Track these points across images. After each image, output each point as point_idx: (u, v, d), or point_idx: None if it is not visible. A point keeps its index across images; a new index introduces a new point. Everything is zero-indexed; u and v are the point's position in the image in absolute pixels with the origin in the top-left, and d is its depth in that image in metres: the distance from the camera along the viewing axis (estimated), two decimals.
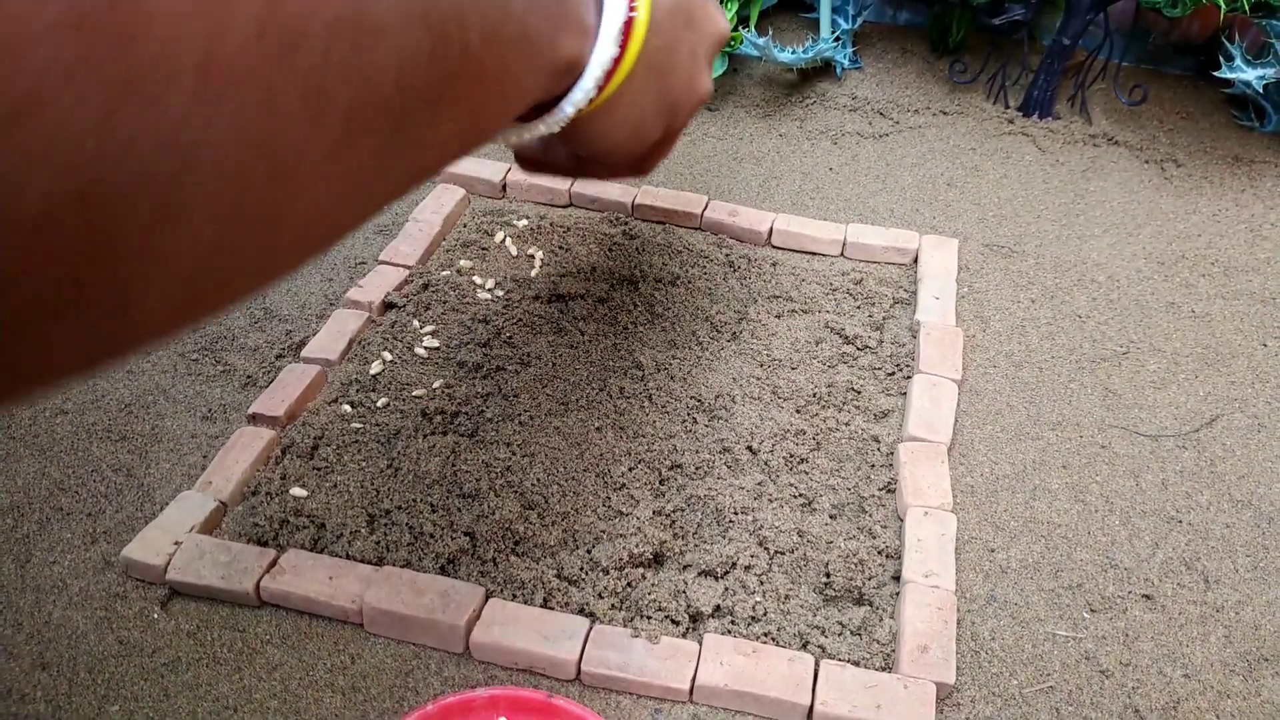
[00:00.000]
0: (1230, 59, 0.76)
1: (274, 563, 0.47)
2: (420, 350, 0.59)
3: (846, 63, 0.85)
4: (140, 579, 0.47)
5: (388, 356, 0.58)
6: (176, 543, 0.47)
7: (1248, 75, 0.73)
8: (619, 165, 0.48)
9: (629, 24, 0.39)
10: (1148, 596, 0.48)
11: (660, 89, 0.44)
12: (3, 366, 0.20)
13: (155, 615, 0.46)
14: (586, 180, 0.56)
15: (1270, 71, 0.73)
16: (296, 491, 0.50)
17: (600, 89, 0.39)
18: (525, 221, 0.69)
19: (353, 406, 0.55)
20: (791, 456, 0.53)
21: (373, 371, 0.57)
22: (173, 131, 0.19)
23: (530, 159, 0.49)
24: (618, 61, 0.39)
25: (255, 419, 0.54)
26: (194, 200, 0.20)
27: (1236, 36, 0.77)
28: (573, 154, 0.47)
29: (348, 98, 0.23)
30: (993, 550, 0.50)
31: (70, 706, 0.43)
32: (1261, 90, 0.75)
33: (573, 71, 0.38)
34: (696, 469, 0.52)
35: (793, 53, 0.81)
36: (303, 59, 0.22)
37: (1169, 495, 0.53)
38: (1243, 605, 0.48)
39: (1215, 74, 0.76)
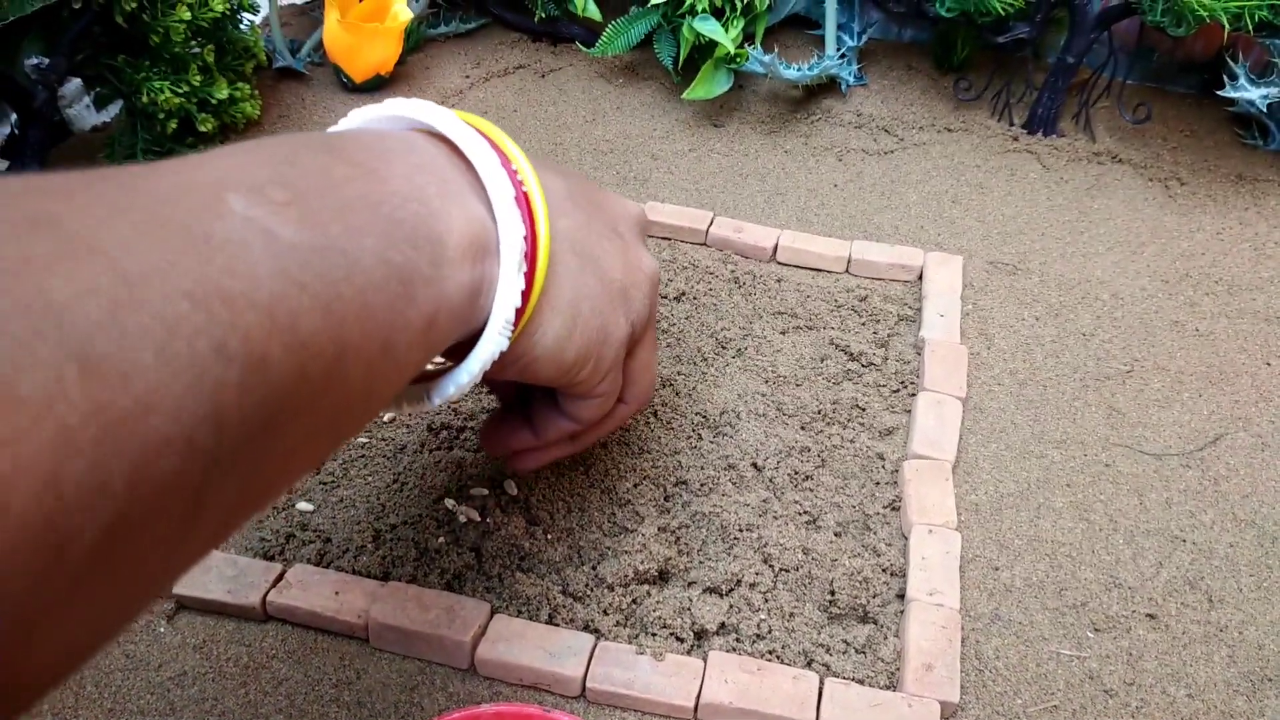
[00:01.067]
0: (1234, 78, 0.76)
1: (280, 577, 0.47)
2: (428, 365, 0.59)
3: (851, 79, 0.86)
4: None
5: None
6: None
7: (1251, 94, 0.74)
8: (602, 389, 0.42)
9: (525, 199, 0.36)
10: (1151, 616, 0.48)
11: (598, 272, 0.39)
12: None
13: (161, 629, 0.46)
14: (581, 442, 0.48)
15: (1274, 90, 0.73)
16: (303, 506, 0.51)
17: (524, 294, 0.35)
18: None
19: None
20: (796, 473, 0.53)
21: None
22: None
23: (493, 435, 0.46)
24: (531, 255, 0.35)
25: None
26: None
27: (1240, 55, 0.78)
28: (543, 408, 0.44)
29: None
30: (997, 569, 0.50)
31: None
32: (1265, 109, 0.75)
33: (482, 291, 0.34)
34: (701, 485, 0.53)
35: (798, 70, 0.81)
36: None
37: (1173, 514, 0.53)
38: (1247, 625, 0.48)
39: (1219, 93, 0.76)
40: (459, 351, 0.37)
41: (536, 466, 0.48)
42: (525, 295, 0.35)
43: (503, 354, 0.37)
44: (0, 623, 0.19)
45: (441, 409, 0.55)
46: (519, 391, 0.48)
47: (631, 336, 0.42)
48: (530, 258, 0.36)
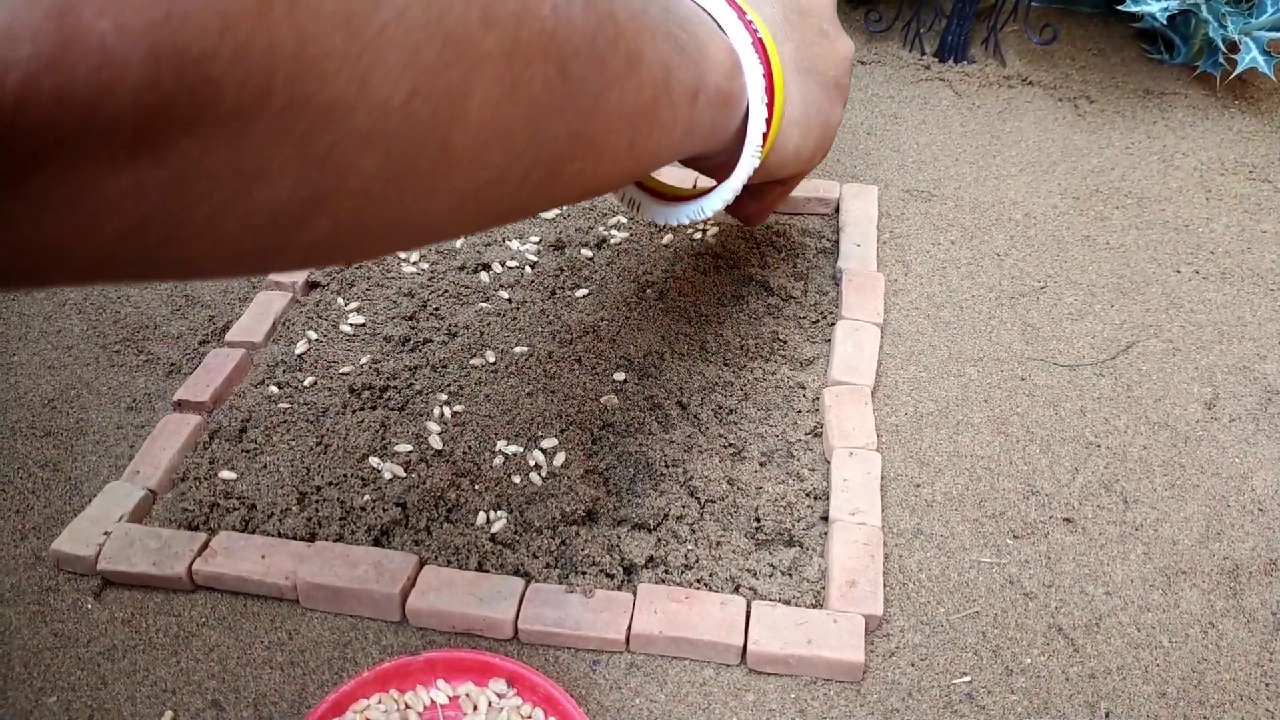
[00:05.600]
0: None
1: (205, 546, 0.47)
2: (346, 327, 0.59)
3: None
4: (72, 571, 0.47)
5: (313, 335, 0.58)
6: (106, 533, 0.47)
7: (1152, 7, 0.75)
8: (816, 163, 0.53)
9: (760, 44, 0.44)
10: (1069, 520, 0.50)
11: (818, 79, 0.49)
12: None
13: (89, 606, 0.46)
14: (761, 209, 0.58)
15: (1173, 3, 0.74)
16: (226, 475, 0.50)
17: (767, 120, 0.44)
18: None
19: (279, 387, 0.55)
20: (720, 408, 0.54)
21: (298, 351, 0.57)
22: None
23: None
24: (769, 89, 0.44)
25: (181, 405, 0.54)
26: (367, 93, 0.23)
27: None
28: (769, 184, 0.53)
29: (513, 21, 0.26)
30: (918, 485, 0.51)
31: (6, 702, 0.43)
32: (1166, 21, 0.76)
33: (729, 104, 0.42)
34: (627, 426, 0.53)
35: None
36: None
37: (1087, 421, 0.54)
38: (1161, 522, 0.50)
39: (1120, 8, 0.77)
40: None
41: (761, 221, 0.60)
42: (768, 121, 0.45)
43: (756, 169, 0.46)
44: None
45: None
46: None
47: (840, 115, 0.52)
48: (769, 90, 0.44)
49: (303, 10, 0.20)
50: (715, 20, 0.44)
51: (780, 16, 0.47)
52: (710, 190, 0.48)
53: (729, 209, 0.54)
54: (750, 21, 0.44)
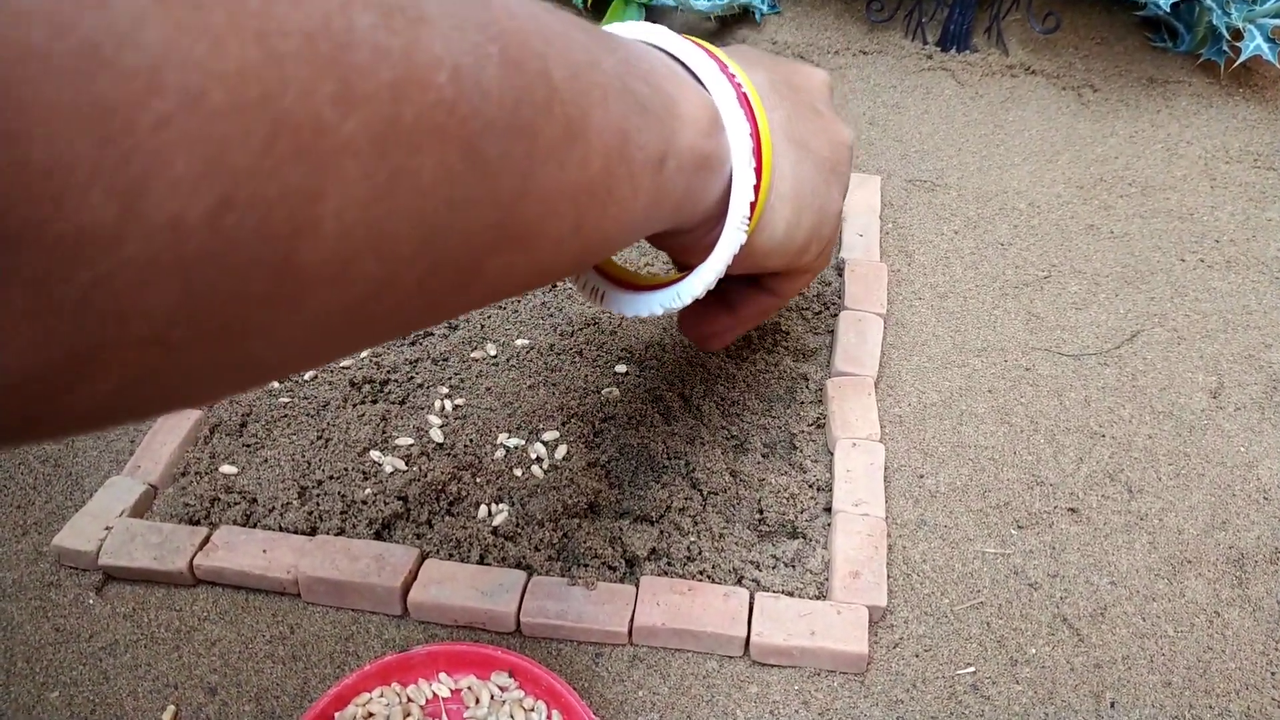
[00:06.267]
0: None
1: (206, 540, 0.46)
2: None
3: (765, 8, 0.85)
4: (73, 566, 0.47)
5: None
6: (107, 528, 0.47)
7: None
8: (818, 264, 0.44)
9: (745, 99, 0.37)
10: (1073, 510, 0.49)
11: (811, 156, 0.41)
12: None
13: (90, 601, 0.46)
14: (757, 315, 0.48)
15: None
16: (226, 469, 0.50)
17: (755, 188, 0.37)
18: None
19: (280, 382, 0.55)
20: (723, 400, 0.54)
21: None
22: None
23: (693, 321, 0.47)
24: (756, 151, 0.37)
25: None
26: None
27: None
28: (741, 289, 0.45)
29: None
30: (922, 476, 0.51)
31: (9, 697, 0.43)
32: (1170, 9, 0.76)
33: (708, 167, 0.35)
34: (629, 419, 0.53)
35: (709, 0, 0.80)
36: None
37: (1092, 411, 0.54)
38: (1166, 512, 0.49)
39: None
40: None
41: (728, 343, 0.49)
42: (756, 189, 0.37)
43: (739, 250, 0.38)
44: None
45: (367, 367, 0.55)
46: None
47: (840, 209, 0.44)
48: (756, 154, 0.37)
49: (14, 104, 0.15)
50: (690, 70, 0.37)
51: (767, 84, 0.40)
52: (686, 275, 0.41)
53: (685, 325, 0.48)
54: (733, 75, 0.37)
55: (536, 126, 0.25)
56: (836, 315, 0.58)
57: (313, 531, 0.47)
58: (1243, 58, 0.74)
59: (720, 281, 0.40)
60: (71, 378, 0.18)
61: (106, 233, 0.16)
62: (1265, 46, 0.74)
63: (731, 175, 0.37)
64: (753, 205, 0.37)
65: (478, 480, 0.49)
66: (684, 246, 0.40)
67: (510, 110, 0.24)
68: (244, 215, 0.18)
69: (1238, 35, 0.76)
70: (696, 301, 0.43)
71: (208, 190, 0.17)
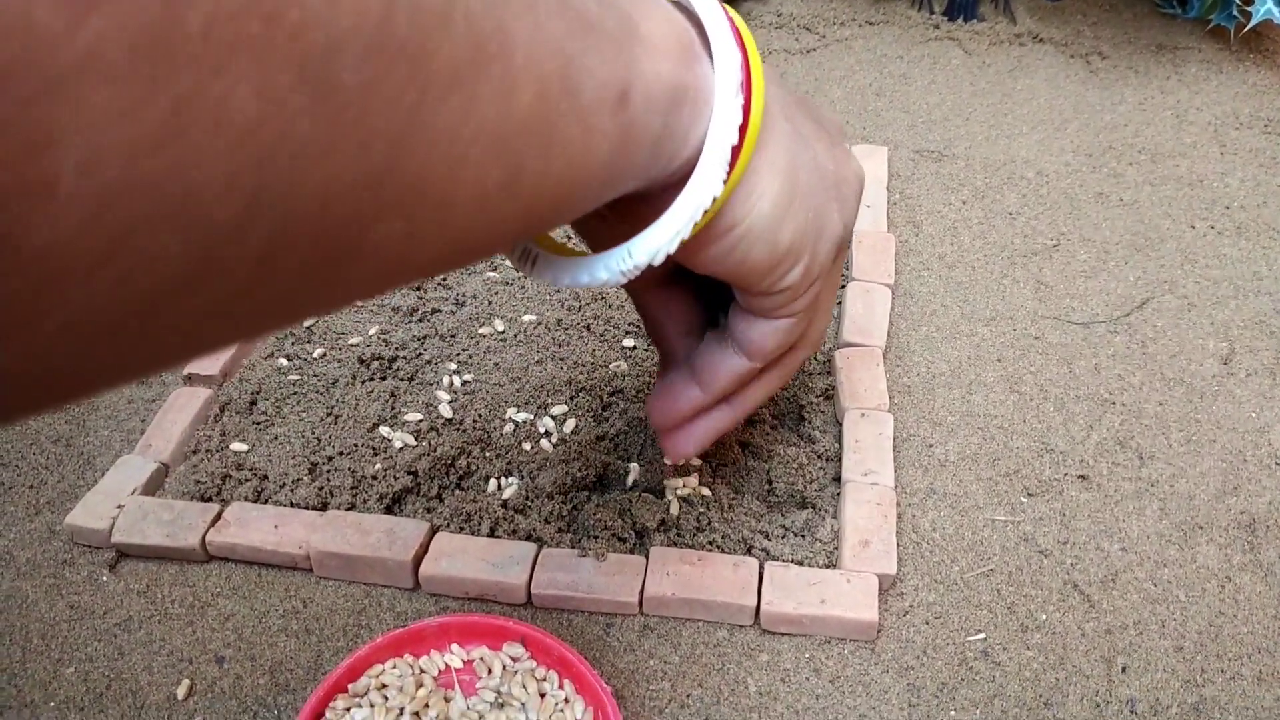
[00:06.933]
0: None
1: (218, 517, 0.47)
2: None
3: None
4: (86, 544, 0.47)
5: None
6: (119, 506, 0.47)
7: None
8: (799, 305, 0.35)
9: (738, 34, 0.30)
10: (1083, 477, 0.49)
11: (810, 150, 0.33)
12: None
13: (104, 578, 0.46)
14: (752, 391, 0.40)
15: None
16: (237, 446, 0.50)
17: (741, 129, 0.29)
18: None
19: (289, 359, 0.55)
20: None
21: (307, 323, 0.57)
22: None
23: (662, 402, 0.39)
24: (746, 88, 0.29)
25: (191, 379, 0.54)
26: None
27: None
28: (711, 351, 0.37)
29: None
30: (931, 445, 0.51)
31: (25, 673, 0.43)
32: None
33: (689, 100, 0.28)
34: (637, 393, 0.53)
35: None
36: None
37: (1102, 379, 0.54)
38: (1177, 478, 0.49)
39: None
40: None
41: (696, 447, 0.40)
42: (742, 130, 0.29)
43: (713, 223, 0.31)
44: None
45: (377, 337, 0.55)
46: (685, 346, 0.41)
47: (840, 242, 0.35)
48: (745, 87, 0.29)
49: None
50: None
51: (770, 75, 0.32)
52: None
53: (652, 406, 0.40)
54: (731, 19, 0.30)
55: (424, 44, 0.19)
56: (844, 286, 0.58)
57: (323, 507, 0.47)
58: (1253, 23, 0.74)
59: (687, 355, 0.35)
60: None
61: None
62: (1276, 11, 0.73)
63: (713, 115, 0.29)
64: (736, 151, 0.29)
65: (487, 454, 0.49)
66: (640, 216, 0.30)
67: (376, 21, 0.17)
68: None
69: (1248, 0, 0.76)
70: (668, 380, 0.38)
71: None
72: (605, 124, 0.25)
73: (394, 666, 0.41)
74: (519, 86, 0.22)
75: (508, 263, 0.60)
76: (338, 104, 0.17)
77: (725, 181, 0.29)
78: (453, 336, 0.56)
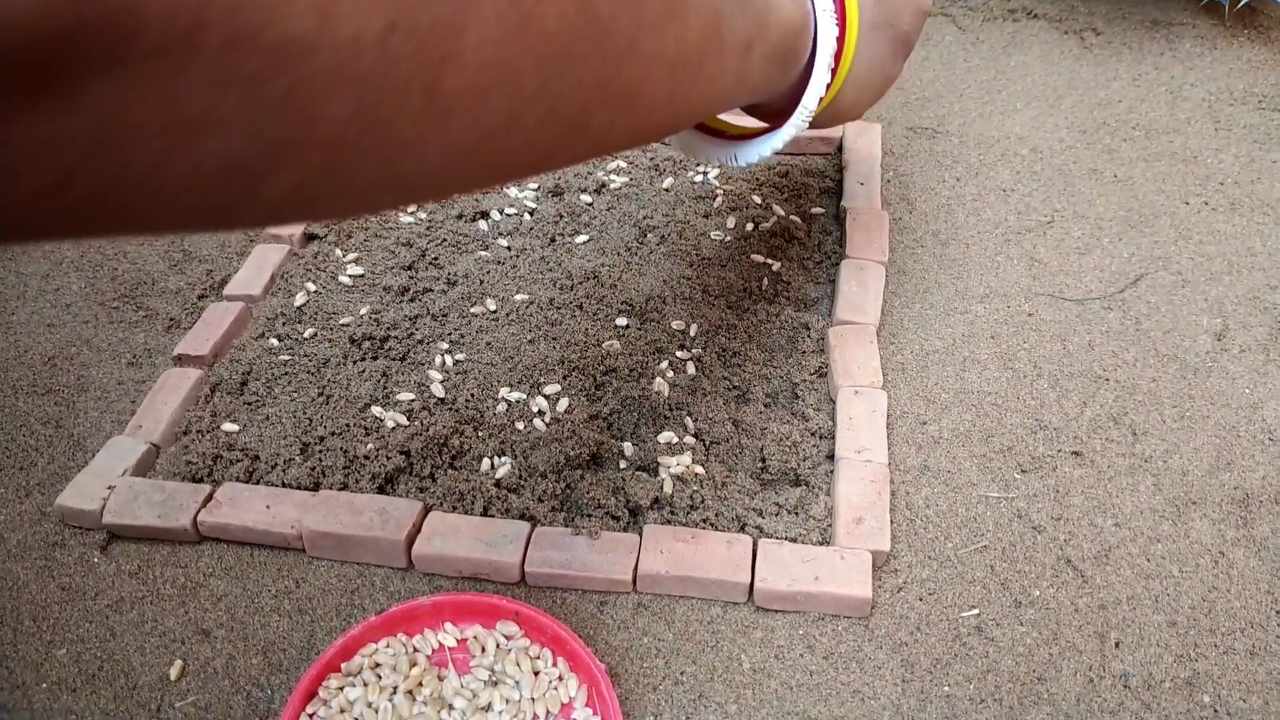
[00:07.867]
0: None
1: (210, 497, 0.46)
2: (344, 279, 0.58)
3: None
4: (77, 525, 0.47)
5: (311, 287, 0.58)
6: (110, 487, 0.47)
7: None
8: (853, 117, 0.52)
9: (840, 3, 0.43)
10: (1077, 453, 0.49)
11: (890, 30, 0.48)
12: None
13: (95, 559, 0.46)
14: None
15: None
16: (228, 427, 0.50)
17: (833, 71, 0.43)
18: None
19: (280, 340, 0.55)
20: (724, 351, 0.53)
21: (297, 303, 0.57)
22: None
23: None
24: (840, 39, 0.43)
25: (181, 360, 0.54)
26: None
27: None
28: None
29: None
30: (924, 423, 0.51)
31: (17, 655, 0.43)
32: None
33: (789, 59, 0.41)
34: (630, 371, 0.52)
35: None
36: None
37: (1095, 355, 0.54)
38: (1170, 454, 0.49)
39: None
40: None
41: None
42: (829, 86, 0.45)
43: (820, 116, 0.46)
44: None
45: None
46: None
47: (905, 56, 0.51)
48: (837, 56, 0.44)
49: None
50: None
51: None
52: (758, 134, 0.49)
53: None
54: None
55: None
56: (837, 264, 0.58)
57: (315, 487, 0.47)
58: None
59: None
60: (266, 167, 0.21)
61: (305, 43, 0.19)
62: None
63: (806, 72, 0.43)
64: (837, 56, 0.44)
65: (480, 434, 0.49)
66: (755, 112, 0.49)
67: None
68: (405, 39, 0.21)
69: None
70: None
71: (380, 14, 0.20)
72: (732, 64, 0.35)
73: (387, 645, 0.41)
74: (689, 32, 0.31)
75: (500, 241, 0.60)
76: (596, 27, 0.26)
77: (809, 120, 0.45)
78: (445, 316, 0.55)
